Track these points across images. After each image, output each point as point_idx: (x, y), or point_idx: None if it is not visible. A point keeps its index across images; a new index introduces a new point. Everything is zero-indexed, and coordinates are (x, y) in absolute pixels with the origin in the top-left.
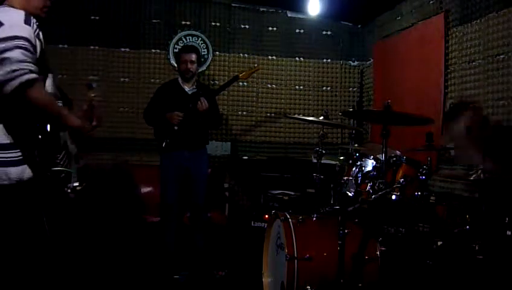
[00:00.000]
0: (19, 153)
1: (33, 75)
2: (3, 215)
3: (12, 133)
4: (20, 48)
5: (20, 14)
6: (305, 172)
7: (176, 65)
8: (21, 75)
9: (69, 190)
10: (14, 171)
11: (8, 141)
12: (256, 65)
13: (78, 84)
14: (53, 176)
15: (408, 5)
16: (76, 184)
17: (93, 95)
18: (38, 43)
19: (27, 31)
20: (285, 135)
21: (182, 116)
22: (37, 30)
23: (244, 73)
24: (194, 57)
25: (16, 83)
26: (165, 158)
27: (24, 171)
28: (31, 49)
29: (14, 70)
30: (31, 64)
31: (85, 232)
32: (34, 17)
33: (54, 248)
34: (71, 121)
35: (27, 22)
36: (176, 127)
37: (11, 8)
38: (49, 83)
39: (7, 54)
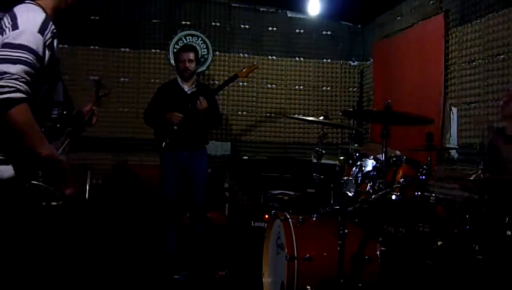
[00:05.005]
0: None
1: (17, 95)
2: None
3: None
4: (23, 62)
5: (39, 18)
6: (305, 172)
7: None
8: (4, 93)
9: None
10: None
11: None
12: (255, 63)
13: (78, 84)
14: (31, 188)
15: (408, 5)
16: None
17: (101, 94)
18: (47, 53)
19: (36, 42)
20: (285, 135)
21: (182, 117)
22: (50, 39)
23: (243, 71)
24: (192, 55)
25: None
26: (165, 158)
27: (5, 171)
28: (36, 63)
29: (0, 86)
30: (22, 84)
31: (85, 232)
32: (56, 13)
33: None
34: (43, 151)
35: (42, 30)
36: (175, 127)
37: (35, 7)
38: (59, 89)
39: (5, 67)
